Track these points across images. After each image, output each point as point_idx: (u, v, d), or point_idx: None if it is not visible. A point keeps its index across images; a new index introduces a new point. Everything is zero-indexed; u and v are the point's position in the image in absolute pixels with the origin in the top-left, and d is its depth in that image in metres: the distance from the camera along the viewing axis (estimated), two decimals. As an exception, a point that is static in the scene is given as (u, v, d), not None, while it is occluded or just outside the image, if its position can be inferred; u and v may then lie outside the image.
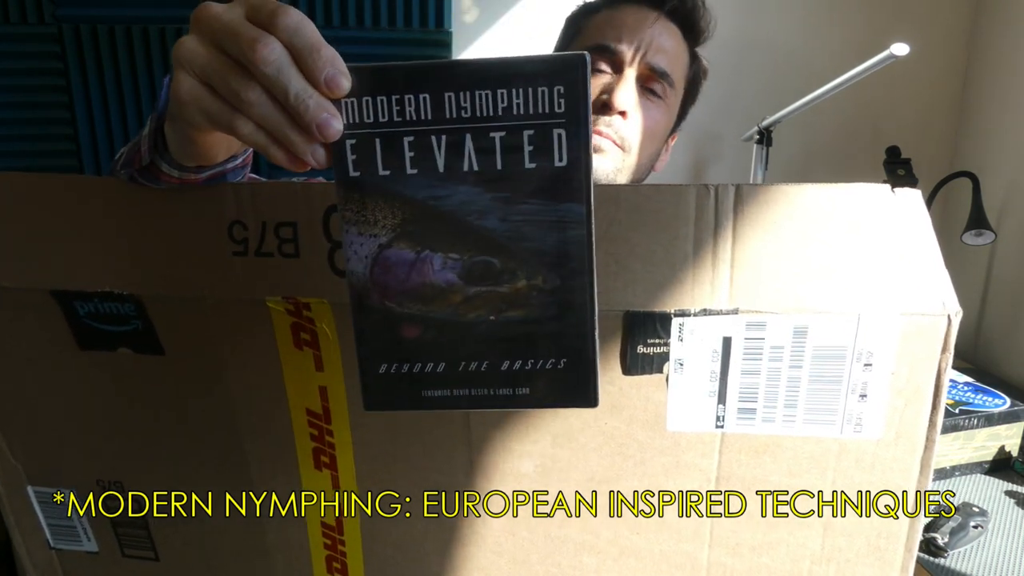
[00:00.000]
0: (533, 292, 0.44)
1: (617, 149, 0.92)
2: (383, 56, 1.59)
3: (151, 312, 0.56)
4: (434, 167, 0.42)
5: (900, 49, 1.22)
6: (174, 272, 0.55)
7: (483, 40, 1.72)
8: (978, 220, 1.61)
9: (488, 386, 0.46)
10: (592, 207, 0.42)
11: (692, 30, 1.00)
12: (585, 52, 0.40)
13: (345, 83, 0.41)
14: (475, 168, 0.42)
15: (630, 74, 0.93)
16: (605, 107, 0.91)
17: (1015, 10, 1.69)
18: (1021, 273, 1.66)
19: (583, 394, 0.46)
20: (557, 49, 1.05)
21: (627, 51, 0.93)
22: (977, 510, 1.22)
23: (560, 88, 0.41)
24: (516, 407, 0.46)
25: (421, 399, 0.46)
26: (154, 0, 1.51)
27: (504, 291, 0.44)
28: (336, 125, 0.41)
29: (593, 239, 0.43)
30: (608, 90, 0.92)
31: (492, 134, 0.42)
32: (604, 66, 0.94)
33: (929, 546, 1.18)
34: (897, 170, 1.52)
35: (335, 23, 1.57)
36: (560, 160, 0.42)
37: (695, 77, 1.04)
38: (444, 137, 0.42)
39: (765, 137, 1.61)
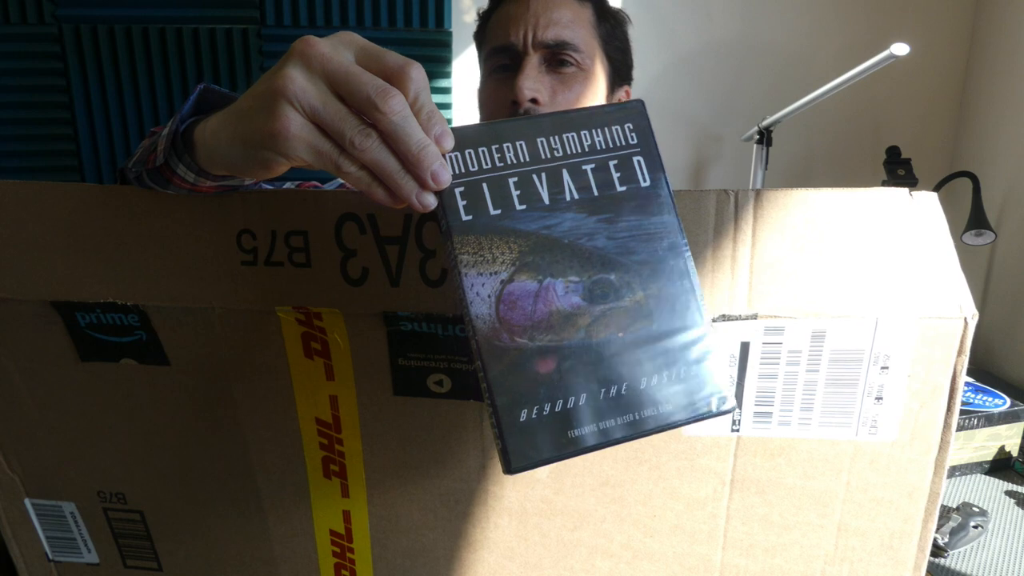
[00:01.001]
0: (650, 301, 0.46)
1: None
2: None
3: (156, 323, 0.55)
4: (540, 200, 0.46)
5: (900, 49, 1.22)
6: (180, 282, 0.54)
7: (484, 40, 1.71)
8: (978, 220, 1.61)
9: (634, 411, 0.45)
10: (679, 218, 0.48)
11: None
12: (641, 100, 0.49)
13: (450, 143, 0.45)
14: (576, 197, 0.47)
15: (528, 61, 0.92)
16: (515, 105, 0.90)
17: (1015, 10, 1.70)
18: (1021, 273, 1.67)
19: (720, 397, 0.46)
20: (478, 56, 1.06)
21: (519, 41, 0.93)
22: (977, 510, 1.23)
23: (629, 125, 0.49)
24: (665, 429, 0.45)
25: (568, 441, 0.44)
26: (154, 0, 1.51)
27: (627, 305, 0.46)
28: (447, 174, 0.45)
29: (685, 244, 0.47)
30: (511, 88, 0.91)
31: (584, 166, 0.47)
32: (507, 63, 0.94)
33: (930, 545, 1.18)
34: (897, 170, 1.53)
35: (335, 23, 1.57)
36: (644, 181, 0.48)
37: (610, 26, 1.01)
38: (544, 174, 0.47)
39: (765, 137, 1.61)
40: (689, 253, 0.47)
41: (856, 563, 0.57)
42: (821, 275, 0.50)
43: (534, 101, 0.90)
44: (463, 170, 0.46)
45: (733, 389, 0.47)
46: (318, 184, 0.90)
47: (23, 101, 1.53)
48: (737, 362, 0.52)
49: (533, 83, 0.91)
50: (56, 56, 1.51)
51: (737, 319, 0.51)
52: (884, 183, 1.54)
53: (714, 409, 0.46)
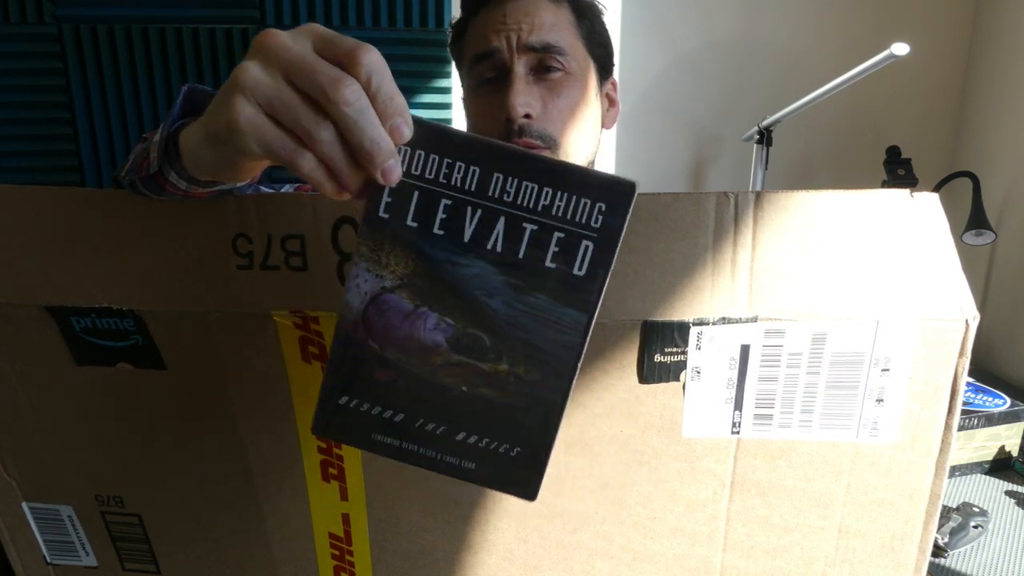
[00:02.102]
0: (511, 378, 0.45)
1: (546, 149, 0.90)
2: (382, 55, 1.58)
3: (151, 327, 0.55)
4: (460, 236, 0.43)
5: (900, 49, 1.22)
6: (175, 287, 0.54)
7: (484, 40, 1.71)
8: (978, 220, 1.61)
9: (437, 450, 0.47)
10: (593, 322, 0.43)
11: None
12: (635, 182, 0.42)
13: (408, 132, 0.42)
14: (498, 250, 0.43)
15: (515, 74, 0.90)
16: (509, 122, 0.88)
17: (1015, 10, 1.70)
18: (1021, 273, 1.67)
19: (526, 486, 0.47)
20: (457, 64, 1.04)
21: (502, 45, 0.90)
22: (977, 510, 1.23)
23: (602, 205, 0.42)
24: (455, 477, 0.47)
25: (369, 441, 0.47)
26: (154, 0, 1.51)
27: (485, 368, 0.45)
28: (398, 172, 0.42)
29: (584, 350, 0.44)
30: (502, 105, 0.89)
31: (524, 224, 0.43)
32: (491, 73, 0.92)
33: (931, 546, 1.18)
34: (897, 170, 1.53)
35: (335, 23, 1.57)
36: (579, 270, 0.43)
37: (588, 22, 0.98)
38: (479, 212, 0.43)
39: (765, 137, 1.61)
40: (580, 359, 0.44)
41: (857, 565, 0.57)
42: (822, 277, 0.50)
43: (527, 116, 0.89)
44: (405, 168, 0.43)
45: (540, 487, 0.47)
46: None
47: (23, 101, 1.53)
48: (737, 364, 0.51)
49: (524, 98, 0.89)
50: (56, 56, 1.51)
51: (737, 322, 0.50)
52: (884, 183, 1.54)
53: (514, 490, 0.47)
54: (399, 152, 0.42)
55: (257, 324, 0.54)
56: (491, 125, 0.91)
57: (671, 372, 0.52)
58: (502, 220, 0.43)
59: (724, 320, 0.51)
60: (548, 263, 0.43)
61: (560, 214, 0.42)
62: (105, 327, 0.55)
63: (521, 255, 0.43)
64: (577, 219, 0.42)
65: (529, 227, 0.43)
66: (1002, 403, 1.40)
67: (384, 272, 0.44)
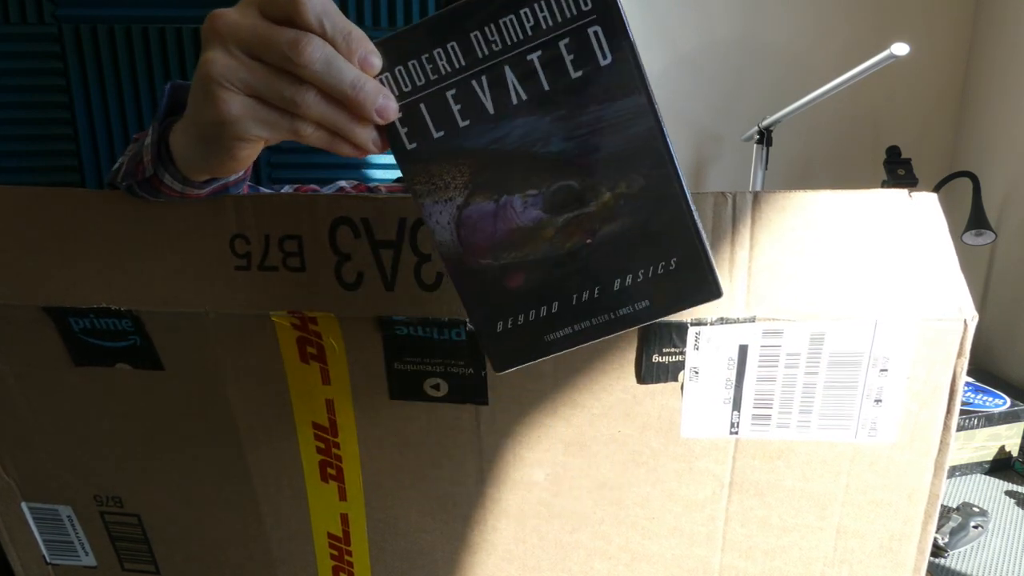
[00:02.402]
0: (620, 201, 0.42)
1: None
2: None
3: (149, 328, 0.55)
4: (484, 111, 0.41)
5: (900, 49, 1.22)
6: (173, 287, 0.54)
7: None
8: (978, 220, 1.61)
9: (607, 310, 0.44)
10: (652, 95, 0.40)
11: None
12: None
13: (377, 61, 0.41)
14: (524, 97, 0.41)
15: None
16: None
17: (1015, 10, 1.70)
18: (1021, 273, 1.67)
19: (704, 287, 0.43)
20: None
21: None
22: (977, 510, 1.23)
23: None
24: (643, 323, 0.44)
25: (547, 344, 0.45)
26: (154, 0, 1.51)
27: (592, 210, 0.42)
28: (393, 106, 0.41)
29: (663, 126, 0.41)
30: None
31: (529, 56, 0.40)
32: None
33: (931, 546, 1.18)
34: (897, 170, 1.53)
35: (335, 23, 1.57)
36: (604, 58, 0.40)
37: None
38: (484, 78, 0.41)
39: (765, 137, 1.61)
40: (667, 136, 0.41)
41: (855, 565, 0.57)
42: (820, 277, 0.50)
43: None
44: (397, 92, 0.41)
45: (719, 279, 0.43)
46: (316, 188, 0.90)
47: (23, 101, 1.53)
48: (736, 364, 0.51)
49: None
50: (56, 56, 1.51)
51: (735, 322, 0.50)
52: (884, 183, 1.54)
53: (699, 298, 0.43)
54: (384, 84, 0.41)
55: (255, 325, 0.54)
56: None
57: (669, 372, 0.52)
58: (507, 69, 0.41)
59: (722, 320, 0.51)
60: (574, 74, 0.40)
61: (551, 23, 0.40)
62: (103, 327, 0.55)
63: (547, 87, 0.41)
64: (568, 14, 0.40)
65: (534, 56, 0.40)
66: (1002, 403, 1.40)
67: (449, 193, 0.43)
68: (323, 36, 0.40)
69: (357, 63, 0.40)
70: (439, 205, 0.43)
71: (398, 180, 1.18)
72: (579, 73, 0.40)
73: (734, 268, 0.50)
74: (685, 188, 0.42)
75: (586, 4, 0.39)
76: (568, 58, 0.40)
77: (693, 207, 0.42)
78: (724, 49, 1.76)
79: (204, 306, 0.54)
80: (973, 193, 1.62)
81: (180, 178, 0.50)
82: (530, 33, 0.40)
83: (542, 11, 0.39)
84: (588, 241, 0.43)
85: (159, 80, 1.54)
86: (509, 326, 0.44)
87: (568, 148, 0.41)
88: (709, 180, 1.85)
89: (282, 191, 0.84)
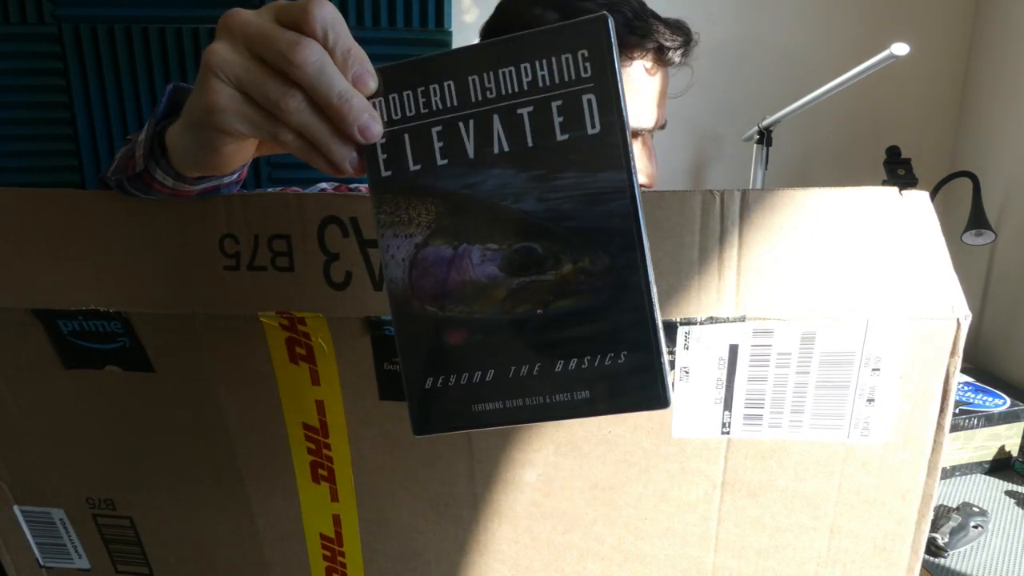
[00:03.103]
0: (581, 276, 0.40)
1: None
2: (382, 55, 1.58)
3: (139, 330, 0.55)
4: (464, 154, 0.41)
5: (900, 49, 1.22)
6: (162, 288, 0.54)
7: (483, 40, 1.71)
8: (978, 220, 1.61)
9: (543, 393, 0.41)
10: (634, 173, 0.39)
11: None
12: (606, 12, 0.39)
13: (372, 83, 0.41)
14: (505, 149, 0.40)
15: (637, 147, 0.88)
16: None
17: (1015, 10, 1.69)
18: (1021, 273, 1.67)
19: (650, 393, 0.40)
20: None
21: (640, 126, 0.91)
22: (977, 510, 1.22)
23: (584, 52, 0.39)
24: (577, 416, 0.41)
25: (473, 415, 0.42)
26: (154, 0, 1.51)
27: (550, 279, 0.40)
28: (377, 127, 0.41)
29: (640, 209, 0.39)
30: None
31: (520, 110, 0.40)
32: None
33: (929, 546, 1.18)
34: (897, 170, 1.52)
35: (335, 23, 1.57)
36: (593, 127, 0.39)
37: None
38: (472, 122, 0.40)
39: (765, 137, 1.61)
40: (641, 221, 0.39)
41: (849, 565, 0.57)
42: (810, 276, 0.50)
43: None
44: (386, 118, 0.41)
45: (669, 389, 0.40)
46: (299, 190, 0.90)
47: (23, 101, 1.53)
48: (726, 365, 0.51)
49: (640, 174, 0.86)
50: (56, 56, 1.51)
51: (725, 321, 0.50)
52: (884, 183, 1.54)
53: (643, 404, 0.40)
54: (375, 108, 0.41)
55: (245, 326, 0.53)
56: None
57: (660, 372, 0.52)
58: (496, 118, 0.40)
59: (712, 320, 0.50)
60: (559, 136, 0.40)
61: (547, 82, 0.39)
62: (92, 330, 0.55)
63: (530, 143, 0.40)
64: (566, 77, 0.39)
65: (525, 111, 0.40)
66: (1002, 403, 1.40)
67: (411, 229, 0.41)
68: (324, 45, 0.40)
69: (351, 79, 0.40)
70: (399, 239, 0.42)
71: None
72: (565, 136, 0.40)
73: (723, 267, 0.50)
74: (651, 281, 0.40)
75: (586, 71, 0.39)
76: (557, 119, 0.40)
77: (656, 303, 0.40)
78: (724, 49, 1.76)
79: (193, 307, 0.53)
80: (973, 193, 1.61)
81: (172, 173, 0.50)
82: (526, 88, 0.40)
83: (542, 69, 0.39)
84: (539, 312, 0.41)
85: (159, 80, 1.55)
86: (439, 385, 0.42)
87: (538, 209, 0.40)
88: (709, 180, 1.85)
89: (267, 192, 0.84)
